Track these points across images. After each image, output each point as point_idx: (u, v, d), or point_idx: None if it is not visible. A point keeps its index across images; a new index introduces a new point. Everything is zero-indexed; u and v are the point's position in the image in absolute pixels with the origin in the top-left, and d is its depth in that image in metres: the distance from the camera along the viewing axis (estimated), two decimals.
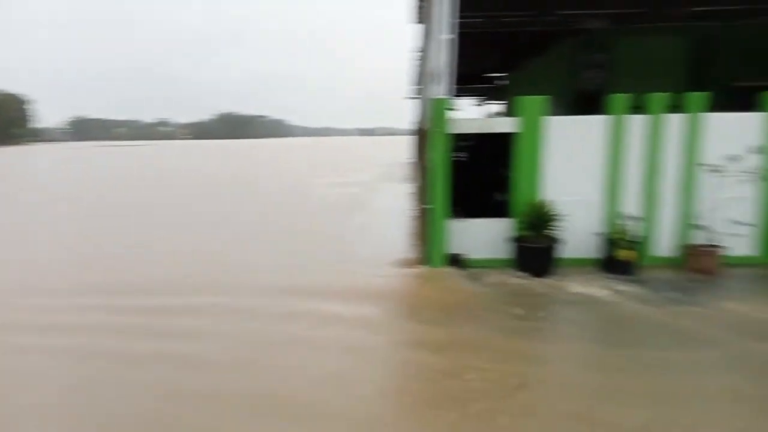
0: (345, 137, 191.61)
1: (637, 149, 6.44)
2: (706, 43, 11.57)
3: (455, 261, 6.43)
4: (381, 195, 15.17)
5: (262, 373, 3.94)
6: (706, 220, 6.32)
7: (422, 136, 6.55)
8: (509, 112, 12.30)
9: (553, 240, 6.14)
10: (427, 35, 6.96)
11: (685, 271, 6.23)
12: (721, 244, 6.21)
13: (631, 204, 6.48)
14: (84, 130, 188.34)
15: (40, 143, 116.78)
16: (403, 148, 29.15)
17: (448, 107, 6.24)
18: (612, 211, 6.48)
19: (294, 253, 7.88)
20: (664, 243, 6.54)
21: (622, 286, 5.71)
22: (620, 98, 6.39)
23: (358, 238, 8.83)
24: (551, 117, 6.40)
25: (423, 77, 8.07)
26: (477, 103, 26.98)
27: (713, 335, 4.43)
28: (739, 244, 6.35)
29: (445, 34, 6.08)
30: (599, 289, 5.65)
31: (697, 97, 6.37)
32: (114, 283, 6.41)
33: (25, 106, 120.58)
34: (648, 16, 10.22)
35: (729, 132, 6.35)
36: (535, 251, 6.16)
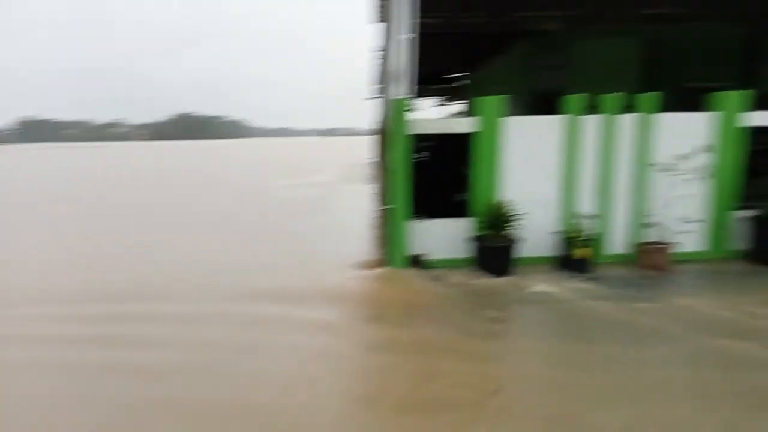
0: (305, 138, 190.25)
1: (592, 149, 6.58)
2: (657, 45, 11.94)
3: (417, 261, 6.43)
4: (343, 196, 15.10)
5: (226, 381, 3.84)
6: (657, 218, 6.51)
7: (383, 136, 6.53)
8: (469, 113, 12.44)
9: (512, 239, 6.21)
10: (388, 35, 6.95)
11: (638, 268, 6.40)
12: (672, 241, 6.41)
13: (586, 203, 6.62)
14: (33, 131, 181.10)
15: None
16: (365, 149, 29.11)
17: (408, 107, 6.24)
18: (568, 210, 6.61)
19: (255, 256, 7.76)
20: (618, 240, 6.70)
21: (579, 284, 5.82)
22: (575, 99, 6.52)
23: (319, 240, 8.74)
24: (509, 117, 6.48)
25: (384, 77, 8.06)
26: (438, 103, 27.15)
27: (668, 330, 4.55)
28: (689, 241, 6.57)
29: (404, 34, 6.08)
30: (557, 287, 5.75)
31: (648, 97, 6.55)
32: (72, 291, 6.18)
33: None
34: (602, 19, 10.47)
35: (679, 132, 6.56)
36: (495, 250, 6.22)
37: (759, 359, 3.96)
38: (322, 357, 4.22)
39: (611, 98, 6.53)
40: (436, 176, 6.73)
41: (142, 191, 17.92)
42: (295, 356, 4.21)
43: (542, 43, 12.19)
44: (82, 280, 6.67)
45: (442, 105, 26.58)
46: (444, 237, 6.56)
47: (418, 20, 6.15)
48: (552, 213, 6.61)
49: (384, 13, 7.77)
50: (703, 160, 6.56)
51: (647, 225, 6.58)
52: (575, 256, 6.20)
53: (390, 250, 6.42)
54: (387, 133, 6.36)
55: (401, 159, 6.25)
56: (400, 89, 6.15)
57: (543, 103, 7.64)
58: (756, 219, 6.48)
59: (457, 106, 25.38)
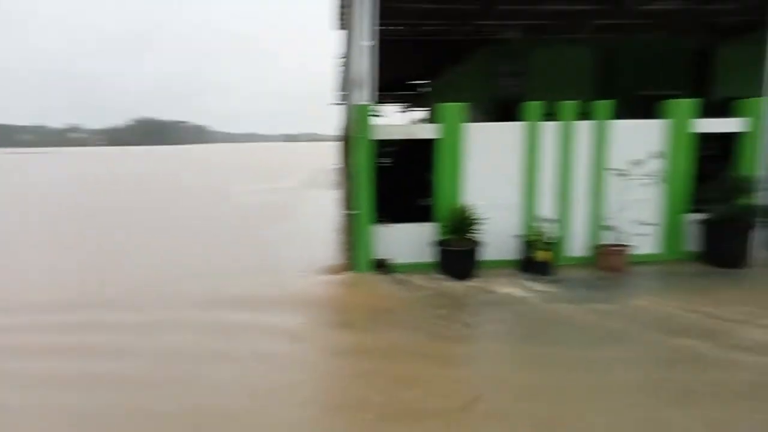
0: (270, 143, 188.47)
1: (551, 154, 6.75)
2: (612, 55, 12.35)
3: (381, 266, 6.46)
4: (307, 201, 15.02)
5: (189, 390, 3.76)
6: (614, 221, 6.71)
7: (347, 142, 6.57)
8: (431, 119, 12.56)
9: (474, 243, 6.30)
10: (350, 42, 6.99)
11: (596, 270, 6.58)
12: (628, 244, 6.62)
13: (546, 207, 6.78)
14: None
15: None
16: (329, 154, 29.05)
17: (371, 113, 6.28)
18: (529, 214, 6.75)
19: (218, 262, 7.64)
20: (577, 243, 6.88)
21: (540, 286, 5.95)
22: (534, 106, 6.68)
23: (284, 246, 8.69)
24: (471, 123, 6.59)
25: (346, 83, 8.09)
26: (402, 109, 27.33)
27: (627, 331, 4.69)
28: (644, 243, 6.79)
29: (366, 41, 6.12)
30: (519, 289, 5.86)
31: (603, 105, 6.77)
32: (32, 300, 5.98)
33: None
34: (559, 28, 10.77)
35: (632, 138, 6.80)
36: (458, 254, 6.30)
37: (713, 357, 4.11)
38: (289, 364, 4.18)
39: (568, 105, 6.73)
40: (399, 181, 6.78)
41: (102, 197, 17.44)
42: (260, 363, 4.15)
43: (502, 51, 12.46)
44: (41, 288, 6.48)
45: (406, 111, 26.77)
46: (408, 241, 6.61)
47: (377, 27, 6.21)
48: (514, 217, 6.75)
49: (344, 21, 7.81)
50: (655, 165, 6.81)
51: (605, 228, 6.78)
52: (537, 258, 6.34)
53: (354, 254, 6.44)
54: (350, 138, 6.38)
55: (364, 164, 6.28)
56: (362, 95, 6.19)
57: (503, 110, 7.80)
58: (706, 222, 6.75)
59: (420, 113, 25.59)
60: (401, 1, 8.28)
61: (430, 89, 17.83)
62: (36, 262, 7.93)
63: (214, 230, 10.41)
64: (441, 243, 6.40)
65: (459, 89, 12.17)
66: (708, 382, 3.71)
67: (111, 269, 7.37)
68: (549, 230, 6.52)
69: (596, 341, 4.52)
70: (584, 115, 6.78)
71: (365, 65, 6.15)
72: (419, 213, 6.72)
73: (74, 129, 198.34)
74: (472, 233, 6.29)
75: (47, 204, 15.89)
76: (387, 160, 6.70)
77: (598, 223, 6.84)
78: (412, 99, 23.12)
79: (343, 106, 14.76)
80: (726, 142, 7.02)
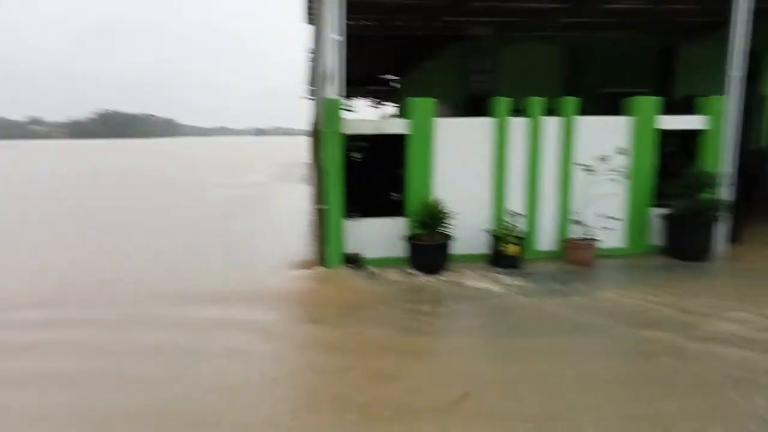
0: (240, 137, 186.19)
1: (520, 149, 6.83)
2: (579, 52, 12.57)
3: (352, 261, 6.45)
4: (278, 196, 14.92)
5: (159, 388, 3.69)
6: (581, 216, 6.84)
7: (317, 136, 6.52)
8: (401, 114, 12.58)
9: (445, 237, 6.34)
10: (319, 36, 6.93)
11: (565, 264, 6.70)
12: (595, 238, 6.75)
13: (516, 201, 6.86)
14: None
15: None
16: (301, 149, 28.85)
17: (340, 107, 6.25)
18: (499, 209, 6.83)
19: (188, 257, 7.52)
20: (545, 237, 6.99)
21: (510, 280, 6.02)
22: (503, 101, 6.75)
23: (255, 241, 8.61)
24: (441, 118, 6.62)
25: (316, 77, 8.02)
26: (374, 104, 27.29)
27: (595, 323, 4.77)
28: (610, 237, 6.94)
29: (335, 35, 6.08)
30: (490, 283, 5.91)
31: (570, 101, 6.88)
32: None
33: None
34: (528, 26, 10.88)
35: (599, 134, 6.93)
36: (429, 249, 6.33)
37: (678, 347, 4.21)
38: (264, 361, 4.11)
39: (536, 101, 6.81)
40: (370, 176, 6.77)
41: (68, 192, 16.99)
42: (235, 360, 4.07)
43: (473, 48, 12.56)
44: (5, 284, 6.31)
45: (378, 106, 26.76)
46: (379, 236, 6.62)
47: (347, 22, 6.18)
48: (484, 211, 6.81)
49: (314, 15, 7.75)
50: (621, 161, 6.95)
51: (572, 222, 6.90)
52: (506, 252, 6.42)
53: (326, 249, 6.40)
54: (320, 133, 6.34)
55: (334, 159, 6.25)
56: (332, 89, 6.15)
57: (473, 106, 7.86)
58: (670, 217, 6.93)
59: (392, 108, 25.61)
60: None
61: (401, 84, 17.86)
62: (7, 258, 7.69)
63: (186, 226, 10.23)
64: (412, 238, 6.42)
65: (430, 85, 12.21)
66: (673, 371, 3.81)
67: (79, 265, 7.20)
68: (518, 224, 6.60)
69: (565, 333, 4.60)
70: (552, 112, 6.88)
71: (334, 59, 6.11)
72: (390, 208, 6.72)
73: (35, 121, 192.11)
74: (443, 228, 6.32)
75: (12, 199, 15.38)
76: (358, 155, 6.67)
77: (566, 218, 6.96)
78: (383, 94, 23.11)
79: (314, 100, 14.67)
80: (689, 139, 7.21)
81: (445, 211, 6.31)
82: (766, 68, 11.36)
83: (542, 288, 5.78)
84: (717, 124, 7.01)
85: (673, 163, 7.13)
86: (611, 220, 6.85)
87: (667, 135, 7.09)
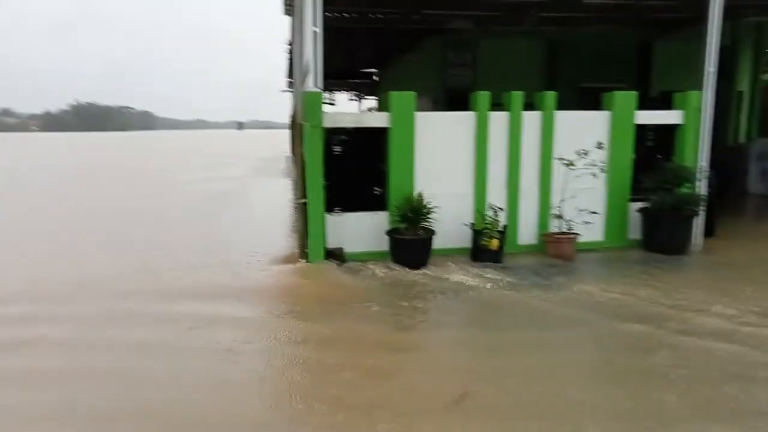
0: (221, 130, 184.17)
1: (500, 143, 6.85)
2: (558, 47, 12.65)
3: (334, 255, 6.41)
4: (259, 190, 14.79)
5: (138, 384, 3.63)
6: (561, 210, 6.89)
7: (298, 130, 6.45)
8: (382, 107, 12.55)
9: (427, 231, 6.34)
10: (298, 28, 6.85)
11: (545, 257, 6.75)
12: (575, 231, 6.81)
13: (497, 195, 6.88)
14: None
15: None
16: (282, 143, 28.65)
17: (320, 101, 6.19)
18: (480, 203, 6.85)
19: (169, 252, 7.38)
20: (526, 231, 7.04)
21: (492, 274, 6.04)
22: (483, 96, 6.76)
23: (236, 235, 8.52)
24: (422, 112, 6.61)
25: (295, 70, 7.93)
26: (354, 98, 27.19)
27: (580, 317, 4.81)
28: (589, 231, 7.00)
29: (313, 27, 6.01)
30: (472, 277, 5.93)
31: (550, 96, 6.91)
32: None
33: None
34: (508, 20, 10.90)
35: (577, 129, 6.98)
36: (410, 243, 6.33)
37: (656, 339, 4.26)
38: (246, 357, 4.04)
39: (516, 96, 6.83)
40: (351, 170, 6.75)
41: (45, 184, 16.63)
42: (216, 357, 4.01)
43: (453, 42, 12.56)
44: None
45: (359, 100, 26.67)
46: (360, 230, 6.60)
47: (325, 14, 6.12)
48: (465, 205, 6.82)
49: (292, 6, 7.65)
50: (599, 155, 7.01)
51: (553, 216, 6.95)
52: (488, 246, 6.44)
53: (307, 244, 6.36)
54: (300, 126, 6.28)
55: (315, 152, 6.20)
56: (311, 82, 6.10)
57: (453, 100, 7.86)
58: (647, 210, 7.01)
59: (373, 101, 25.54)
60: None
61: (381, 78, 17.81)
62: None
63: (167, 221, 10.10)
64: (394, 232, 6.41)
65: (410, 78, 12.21)
66: (652, 363, 3.88)
67: (56, 260, 7.10)
68: (499, 218, 6.63)
69: (548, 325, 4.66)
70: (532, 106, 6.91)
71: (313, 52, 6.05)
72: (372, 202, 6.70)
73: (6, 112, 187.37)
74: (425, 222, 6.32)
75: None
76: (338, 149, 6.63)
77: (546, 212, 7.01)
78: (364, 87, 23.03)
79: (293, 93, 14.54)
80: (666, 133, 7.31)
81: (426, 205, 6.30)
82: (742, 65, 11.57)
83: (525, 282, 5.81)
84: (693, 119, 7.11)
85: (650, 157, 7.22)
86: (591, 214, 6.92)
87: (644, 129, 7.18)
